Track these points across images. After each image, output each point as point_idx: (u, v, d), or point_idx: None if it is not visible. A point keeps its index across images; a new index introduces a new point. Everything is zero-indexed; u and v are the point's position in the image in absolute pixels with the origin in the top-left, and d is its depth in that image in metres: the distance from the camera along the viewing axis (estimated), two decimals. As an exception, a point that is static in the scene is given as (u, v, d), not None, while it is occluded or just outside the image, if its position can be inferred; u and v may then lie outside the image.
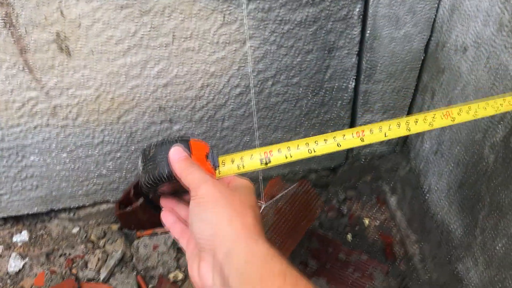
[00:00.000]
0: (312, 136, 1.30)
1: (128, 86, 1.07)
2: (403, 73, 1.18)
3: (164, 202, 0.71)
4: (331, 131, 1.27)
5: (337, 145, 0.69)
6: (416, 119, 0.69)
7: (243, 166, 0.69)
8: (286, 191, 1.14)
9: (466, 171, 1.03)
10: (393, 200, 1.39)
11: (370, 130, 0.69)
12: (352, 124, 1.30)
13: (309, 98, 1.19)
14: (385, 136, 0.69)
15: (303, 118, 1.24)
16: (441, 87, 1.11)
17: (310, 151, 0.69)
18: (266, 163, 0.69)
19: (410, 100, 1.25)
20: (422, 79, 1.20)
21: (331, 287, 1.08)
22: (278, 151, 0.68)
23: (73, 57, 0.99)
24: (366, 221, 1.37)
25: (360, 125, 1.28)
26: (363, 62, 1.13)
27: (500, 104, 0.73)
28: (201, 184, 0.60)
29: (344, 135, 0.69)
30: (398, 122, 0.69)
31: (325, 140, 0.69)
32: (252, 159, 0.68)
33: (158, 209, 0.76)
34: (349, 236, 1.33)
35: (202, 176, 0.61)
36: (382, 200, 1.41)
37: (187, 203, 0.67)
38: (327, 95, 1.19)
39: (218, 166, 0.68)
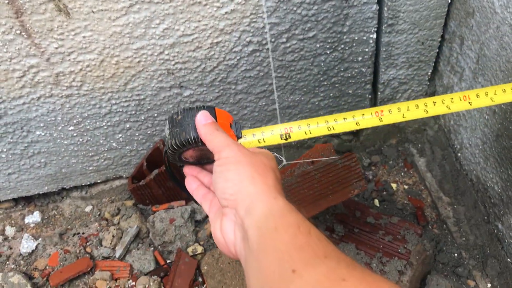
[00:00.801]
0: (332, 97, 1.22)
1: (133, 48, 1.00)
2: (428, 21, 1.08)
3: (188, 170, 0.75)
4: (352, 91, 1.21)
5: (356, 123, 0.71)
6: (434, 101, 0.71)
7: (264, 140, 0.72)
8: (323, 158, 1.04)
9: (504, 119, 0.94)
10: (422, 162, 1.31)
11: (389, 110, 0.71)
12: (374, 82, 1.21)
13: (328, 54, 1.11)
14: (403, 117, 0.71)
15: (321, 77, 1.16)
16: (471, 31, 1.02)
17: (329, 129, 0.71)
18: (286, 138, 0.72)
19: (437, 51, 1.15)
20: (449, 27, 1.11)
21: (361, 252, 1.01)
22: (298, 127, 0.72)
23: (73, 17, 0.93)
24: (394, 186, 1.29)
25: (383, 82, 1.20)
26: (384, 10, 1.04)
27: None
28: (225, 147, 0.62)
29: (363, 114, 0.71)
30: (416, 103, 0.71)
31: (344, 118, 0.71)
32: (273, 134, 0.72)
33: (180, 182, 0.79)
34: (376, 202, 1.25)
35: (226, 140, 0.64)
36: (410, 163, 1.33)
37: (209, 171, 0.73)
38: (346, 49, 1.11)
39: (241, 137, 0.71)
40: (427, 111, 0.72)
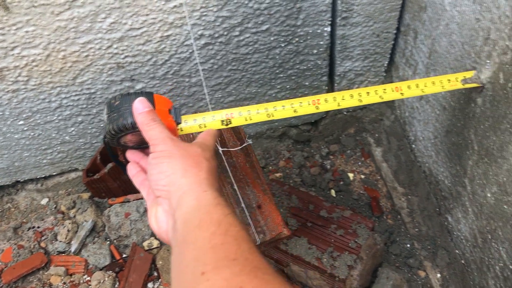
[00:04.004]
0: (288, 89, 1.21)
1: (80, 42, 0.97)
2: (383, 14, 1.08)
3: (130, 156, 0.75)
4: (309, 83, 1.21)
5: (294, 111, 0.74)
6: (368, 91, 0.76)
7: (205, 126, 0.73)
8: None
9: (453, 116, 0.95)
10: (379, 152, 1.32)
11: (325, 99, 0.75)
12: (331, 74, 1.21)
13: (282, 47, 1.09)
14: (338, 105, 0.75)
15: (277, 70, 1.15)
16: (424, 26, 1.02)
17: (268, 115, 0.73)
18: (227, 124, 0.73)
19: (392, 43, 1.15)
20: (404, 19, 1.10)
21: (313, 247, 1.02)
22: (239, 113, 0.73)
23: (13, 12, 0.89)
24: (351, 176, 1.30)
25: (339, 74, 1.20)
26: (338, 3, 1.03)
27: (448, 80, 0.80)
28: (160, 141, 0.64)
29: (301, 103, 0.74)
30: (351, 93, 0.76)
31: (283, 106, 0.74)
32: (214, 119, 0.73)
33: (122, 164, 0.78)
34: (333, 192, 1.26)
35: (161, 133, 0.64)
36: (367, 152, 1.34)
37: None
38: (301, 42, 1.10)
39: (180, 122, 0.71)
40: (361, 100, 0.75)
